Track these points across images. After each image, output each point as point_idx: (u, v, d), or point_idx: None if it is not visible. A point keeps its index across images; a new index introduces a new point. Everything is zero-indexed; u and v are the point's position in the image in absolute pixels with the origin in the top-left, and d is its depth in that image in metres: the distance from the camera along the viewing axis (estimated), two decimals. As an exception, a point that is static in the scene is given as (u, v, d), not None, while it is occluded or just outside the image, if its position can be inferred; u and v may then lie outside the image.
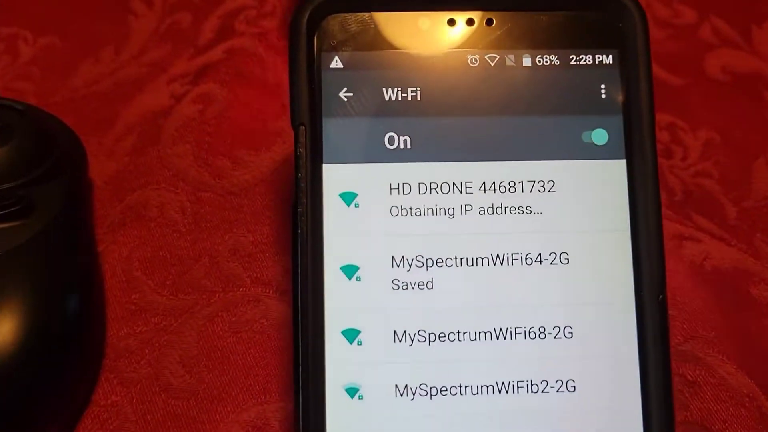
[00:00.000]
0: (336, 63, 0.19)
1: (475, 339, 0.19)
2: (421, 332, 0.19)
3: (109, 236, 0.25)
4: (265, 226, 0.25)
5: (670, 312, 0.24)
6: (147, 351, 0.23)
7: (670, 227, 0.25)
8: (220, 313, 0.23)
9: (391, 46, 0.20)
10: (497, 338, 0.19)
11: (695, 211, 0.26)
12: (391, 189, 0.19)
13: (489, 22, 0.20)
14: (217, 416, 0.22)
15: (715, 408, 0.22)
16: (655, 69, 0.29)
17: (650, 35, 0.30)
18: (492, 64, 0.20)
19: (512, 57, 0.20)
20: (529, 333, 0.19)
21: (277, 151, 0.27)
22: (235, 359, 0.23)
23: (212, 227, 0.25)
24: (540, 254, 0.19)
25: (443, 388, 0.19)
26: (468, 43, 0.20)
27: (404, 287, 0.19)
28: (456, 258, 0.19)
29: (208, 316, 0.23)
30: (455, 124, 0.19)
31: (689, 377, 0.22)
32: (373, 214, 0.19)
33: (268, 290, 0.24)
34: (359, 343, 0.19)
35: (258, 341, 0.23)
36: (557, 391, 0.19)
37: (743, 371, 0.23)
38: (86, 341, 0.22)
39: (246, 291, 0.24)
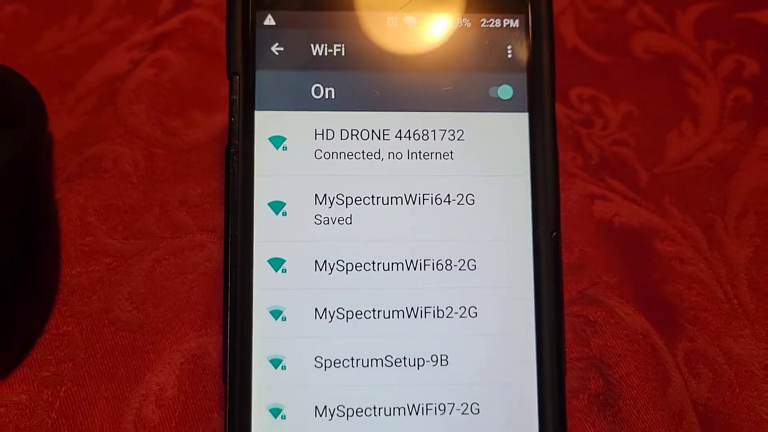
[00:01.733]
0: (269, 20, 0.22)
1: (388, 269, 0.21)
2: (339, 262, 0.21)
3: (66, 185, 0.27)
4: (213, 180, 0.27)
5: (578, 262, 0.26)
6: (98, 287, 0.25)
7: (583, 188, 0.28)
8: (167, 257, 0.25)
9: (320, 7, 0.22)
10: (408, 269, 0.21)
11: (609, 175, 0.28)
12: (316, 134, 0.21)
13: (409, -12, 0.22)
14: (160, 346, 0.24)
15: (612, 344, 0.24)
16: (584, 47, 0.32)
17: (580, 16, 0.33)
18: (410, 25, 0.22)
19: (429, 19, 0.22)
20: (437, 264, 0.21)
21: (227, 114, 0.29)
22: (179, 297, 0.25)
23: (163, 180, 0.27)
24: (449, 195, 0.21)
25: (358, 312, 0.21)
26: (389, 6, 0.22)
27: (326, 222, 0.21)
28: (372, 197, 0.21)
29: (156, 258, 0.25)
30: (375, 78, 0.22)
31: (591, 318, 0.25)
32: (299, 157, 0.21)
33: (212, 237, 0.26)
34: (284, 271, 0.21)
35: (201, 282, 0.25)
36: (460, 317, 0.21)
37: (640, 313, 0.25)
38: (39, 276, 0.24)
39: (192, 237, 0.26)
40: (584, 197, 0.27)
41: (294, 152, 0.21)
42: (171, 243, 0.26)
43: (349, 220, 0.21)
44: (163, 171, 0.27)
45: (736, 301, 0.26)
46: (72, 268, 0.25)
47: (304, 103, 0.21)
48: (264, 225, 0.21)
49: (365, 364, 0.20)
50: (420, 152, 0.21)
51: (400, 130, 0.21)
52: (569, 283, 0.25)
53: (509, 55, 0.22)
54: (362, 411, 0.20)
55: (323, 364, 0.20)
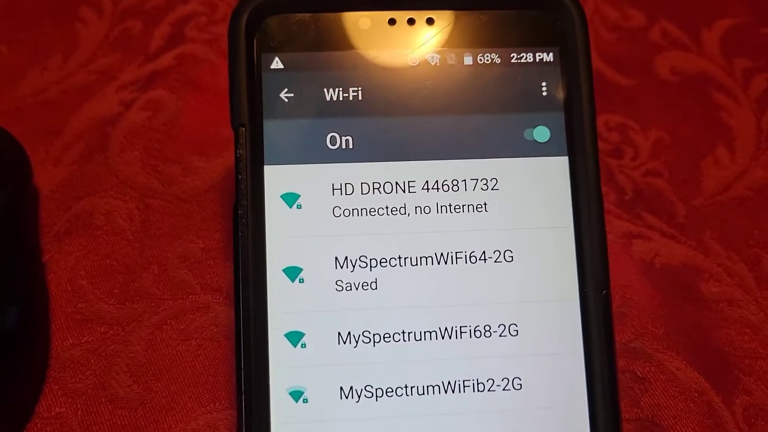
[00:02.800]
0: (276, 64, 0.19)
1: (420, 339, 0.19)
2: (365, 333, 0.19)
3: (54, 245, 0.24)
4: (216, 232, 0.25)
5: (620, 310, 0.24)
6: (93, 361, 0.22)
7: (620, 226, 0.26)
8: (168, 321, 0.23)
9: (332, 47, 0.20)
10: (442, 337, 0.19)
11: (645, 210, 0.26)
12: (333, 189, 0.19)
13: (430, 21, 0.20)
14: (165, 425, 0.21)
15: (665, 404, 0.22)
16: (606, 70, 0.30)
17: (600, 37, 0.31)
18: (433, 63, 0.20)
19: (453, 56, 0.20)
20: (474, 332, 0.19)
21: (228, 157, 0.26)
22: (184, 367, 0.22)
23: (161, 234, 0.25)
24: (484, 252, 0.19)
25: (389, 390, 0.18)
26: (409, 43, 0.20)
27: (348, 288, 0.19)
28: (400, 258, 0.19)
29: (156, 324, 0.23)
30: (397, 124, 0.19)
31: (639, 373, 0.23)
32: (316, 215, 0.19)
33: (218, 297, 0.24)
34: (303, 346, 0.18)
35: (207, 348, 0.23)
36: (503, 390, 0.19)
37: (692, 366, 0.23)
38: (29, 352, 0.21)
39: (196, 298, 0.24)
40: (621, 237, 0.25)
41: (309, 211, 0.19)
42: (172, 305, 0.23)
43: (374, 285, 0.19)
44: (161, 224, 0.25)
45: (792, 346, 0.23)
46: (64, 340, 0.23)
47: (319, 154, 0.19)
48: (279, 294, 0.18)
49: (399, 449, 0.18)
50: (450, 205, 0.19)
51: (427, 182, 0.19)
52: (612, 335, 0.23)
53: (544, 93, 0.20)
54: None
55: (352, 451, 0.18)
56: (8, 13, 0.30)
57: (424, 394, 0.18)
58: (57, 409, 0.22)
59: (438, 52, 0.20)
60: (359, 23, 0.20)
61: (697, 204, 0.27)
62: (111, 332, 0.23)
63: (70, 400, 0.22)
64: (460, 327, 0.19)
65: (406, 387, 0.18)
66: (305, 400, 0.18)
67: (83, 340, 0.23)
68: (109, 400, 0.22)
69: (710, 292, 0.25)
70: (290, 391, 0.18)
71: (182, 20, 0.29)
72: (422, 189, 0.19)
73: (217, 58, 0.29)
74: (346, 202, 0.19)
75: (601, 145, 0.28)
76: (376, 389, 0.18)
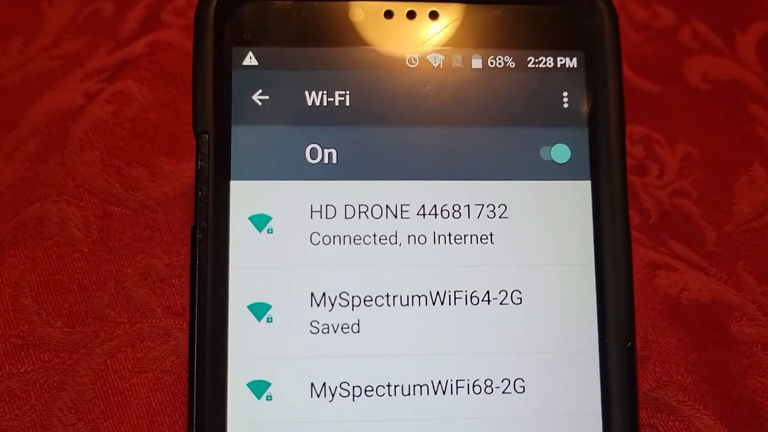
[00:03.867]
0: (250, 60, 0.16)
1: (409, 393, 0.16)
2: (343, 385, 0.16)
3: (-3, 256, 0.21)
4: (184, 246, 0.22)
5: (641, 354, 0.21)
6: (33, 394, 0.20)
7: (643, 254, 0.23)
8: (123, 349, 0.20)
9: (317, 42, 0.17)
10: (435, 393, 0.16)
11: (671, 236, 0.23)
12: (312, 212, 0.16)
13: (433, 15, 0.17)
14: (112, 473, 0.19)
15: (690, 467, 0.19)
16: (630, 75, 0.27)
17: (625, 38, 0.28)
18: (435, 65, 0.17)
19: (459, 57, 0.17)
20: (474, 387, 0.16)
21: (202, 159, 0.23)
22: (138, 404, 0.20)
23: (121, 247, 0.22)
24: (488, 292, 0.16)
25: (369, 453, 0.16)
26: (408, 40, 0.17)
27: (325, 330, 0.16)
28: (388, 296, 0.16)
29: (109, 351, 0.20)
30: (390, 136, 0.16)
31: (661, 429, 0.20)
32: (290, 242, 0.16)
33: (181, 322, 0.21)
34: (268, 398, 0.16)
35: (166, 382, 0.20)
36: (506, 458, 0.16)
37: (723, 423, 0.20)
38: (-43, 383, 0.18)
39: (156, 322, 0.21)
40: (645, 267, 0.22)
41: (282, 236, 0.16)
42: (129, 330, 0.21)
43: (355, 328, 0.16)
44: (121, 235, 0.22)
45: (835, 399, 0.21)
46: (0, 368, 0.20)
47: (297, 170, 0.16)
48: (242, 336, 0.16)
49: None
50: (449, 235, 0.16)
51: (423, 206, 0.16)
52: (631, 382, 0.20)
53: (565, 105, 0.17)
54: None
55: None
56: (-35, -11, 0.27)
57: (411, 459, 0.16)
58: (-13, 450, 0.19)
59: (442, 52, 0.17)
60: (350, 14, 0.17)
61: (728, 230, 0.24)
62: (55, 360, 0.20)
63: (3, 439, 0.19)
64: (457, 381, 0.16)
65: (390, 451, 0.16)
66: (269, 464, 0.15)
67: (22, 369, 0.20)
68: (49, 441, 0.19)
69: (743, 334, 0.22)
70: (251, 451, 0.15)
71: (159, 3, 0.26)
72: (417, 214, 0.16)
73: None
74: (326, 227, 0.16)
75: (623, 159, 0.25)
76: (354, 453, 0.15)
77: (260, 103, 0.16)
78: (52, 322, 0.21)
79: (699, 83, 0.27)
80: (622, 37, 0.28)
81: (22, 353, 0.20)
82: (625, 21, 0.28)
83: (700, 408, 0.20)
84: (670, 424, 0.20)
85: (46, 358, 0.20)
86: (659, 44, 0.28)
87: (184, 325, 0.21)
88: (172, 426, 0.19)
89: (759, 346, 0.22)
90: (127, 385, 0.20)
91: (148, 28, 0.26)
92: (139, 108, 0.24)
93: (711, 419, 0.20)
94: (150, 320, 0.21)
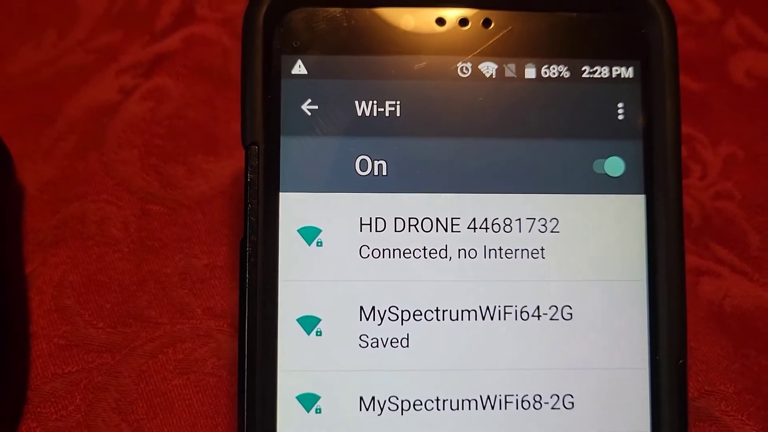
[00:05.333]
0: (299, 69, 0.16)
1: (457, 408, 0.16)
2: (392, 399, 0.16)
3: (38, 256, 0.21)
4: (223, 246, 0.22)
5: (684, 362, 0.21)
6: (77, 395, 0.20)
7: (687, 260, 0.22)
8: (164, 350, 0.20)
9: (367, 50, 0.16)
10: (483, 407, 0.16)
11: (714, 240, 0.23)
12: (361, 225, 0.16)
13: (486, 23, 0.16)
14: (156, 475, 0.19)
15: (733, 479, 0.19)
16: (672, 72, 0.26)
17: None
18: (488, 75, 0.16)
19: (513, 67, 0.16)
20: (522, 402, 0.16)
21: (239, 157, 0.23)
22: (180, 405, 0.20)
23: (160, 247, 0.22)
24: (538, 307, 0.16)
25: (418, 468, 0.15)
26: (460, 48, 0.16)
27: (374, 344, 0.16)
28: (437, 310, 0.16)
29: (150, 352, 0.20)
30: (441, 147, 0.16)
31: (704, 440, 0.20)
32: (339, 255, 0.16)
33: (221, 323, 0.21)
34: (318, 411, 0.16)
35: (207, 384, 0.20)
36: (554, 473, 0.16)
37: (766, 434, 0.20)
38: (3, 383, 0.19)
39: (196, 324, 0.21)
40: (688, 273, 0.22)
41: (332, 249, 0.16)
42: (170, 331, 0.21)
43: (404, 342, 0.16)
44: (160, 235, 0.22)
45: None
46: (44, 369, 0.20)
47: (346, 182, 0.16)
48: (291, 349, 0.16)
49: None
50: (500, 249, 0.16)
51: (474, 219, 0.16)
52: (672, 391, 0.20)
53: (620, 116, 0.16)
54: None
55: None
56: (-1, -20, 0.27)
57: (459, 474, 0.16)
58: (34, 451, 0.19)
59: (494, 61, 0.16)
60: (401, 22, 0.16)
61: (773, 234, 0.23)
62: (98, 361, 0.20)
63: (49, 440, 0.19)
64: (506, 396, 0.16)
65: (438, 465, 0.16)
66: (318, 479, 0.15)
67: (66, 370, 0.20)
68: (94, 442, 0.19)
69: (787, 342, 0.21)
70: (301, 464, 0.15)
71: (193, -5, 0.26)
72: (468, 228, 0.16)
73: (231, 41, 0.25)
74: (376, 240, 0.16)
75: (665, 160, 0.24)
76: (403, 467, 0.15)
77: (309, 114, 0.16)
78: (94, 322, 0.21)
79: (743, 80, 0.26)
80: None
81: (66, 354, 0.20)
82: (668, 15, 0.28)
83: (743, 418, 0.20)
84: (713, 434, 0.20)
85: (89, 359, 0.20)
86: (702, 40, 0.27)
87: (225, 326, 0.21)
88: (214, 428, 0.19)
89: (802, 354, 0.21)
90: (169, 386, 0.20)
91: (182, 22, 0.26)
92: (175, 105, 0.24)
93: (754, 430, 0.20)
94: (190, 321, 0.21)
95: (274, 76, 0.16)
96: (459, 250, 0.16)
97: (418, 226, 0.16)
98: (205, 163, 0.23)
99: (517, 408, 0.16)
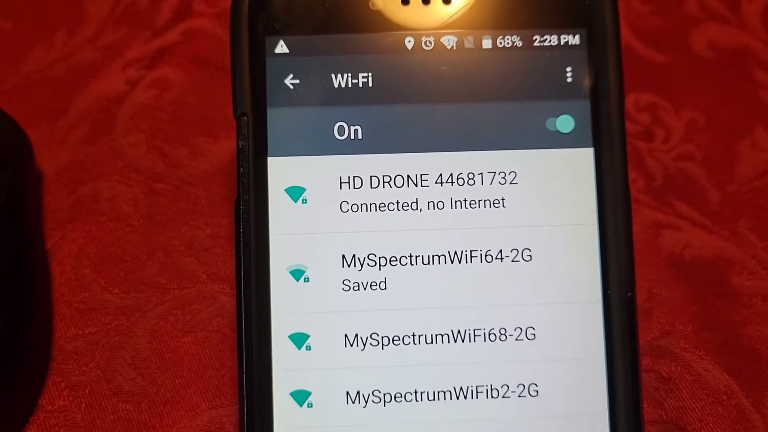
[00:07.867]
0: (281, 48, 0.18)
1: (431, 342, 0.18)
2: (373, 335, 0.18)
3: (58, 232, 0.23)
4: (224, 218, 0.24)
5: (646, 305, 0.23)
6: (97, 353, 0.22)
7: (648, 215, 0.24)
8: (174, 312, 0.22)
9: (341, 29, 0.18)
10: (455, 341, 0.18)
11: (675, 197, 0.25)
12: (341, 183, 0.18)
13: (446, 0, 0.18)
14: (170, 420, 0.21)
15: (690, 406, 0.21)
16: (636, 44, 0.28)
17: (632, 10, 0.29)
18: (449, 47, 0.18)
19: (471, 39, 0.18)
20: (489, 335, 0.18)
21: (236, 138, 0.25)
22: (189, 360, 0.22)
23: (167, 220, 0.24)
24: (501, 251, 0.18)
25: (397, 395, 0.18)
26: (423, 24, 0.18)
27: (355, 288, 0.18)
28: (411, 256, 0.18)
29: (161, 314, 0.22)
30: (409, 112, 0.18)
31: (664, 374, 0.21)
32: (322, 211, 0.18)
33: (224, 286, 0.23)
34: (308, 348, 0.18)
35: (213, 341, 0.22)
36: (519, 396, 0.18)
37: (721, 367, 0.22)
38: (31, 343, 0.21)
39: (202, 287, 0.23)
40: (650, 227, 0.24)
41: (316, 205, 0.18)
42: (177, 295, 0.23)
43: (383, 285, 0.18)
44: (167, 210, 0.24)
45: (830, 346, 0.22)
46: (66, 330, 0.22)
47: (326, 145, 0.18)
48: (283, 294, 0.18)
49: (408, 457, 0.17)
50: (465, 200, 0.18)
51: (440, 175, 0.18)
52: (636, 332, 0.22)
53: (569, 79, 0.18)
54: None
55: (358, 458, 0.17)
56: (12, -14, 0.29)
57: (434, 400, 0.18)
58: (60, 402, 0.21)
59: (454, 35, 0.18)
60: (370, 3, 0.18)
61: (731, 190, 0.25)
62: (115, 323, 0.22)
63: (73, 393, 0.21)
64: (474, 330, 0.18)
65: (415, 392, 0.18)
66: (310, 405, 0.17)
67: (87, 331, 0.22)
68: (113, 393, 0.21)
69: (743, 287, 0.23)
70: (294, 393, 0.17)
71: (190, -7, 0.28)
72: (435, 183, 0.18)
73: (225, 33, 0.26)
74: (354, 196, 0.18)
75: (630, 126, 0.26)
76: (384, 394, 0.17)
77: (292, 87, 0.18)
78: (110, 289, 0.23)
79: (704, 51, 0.28)
80: (629, 8, 0.29)
81: (86, 317, 0.22)
82: (633, -7, 0.30)
83: (701, 354, 0.22)
84: (673, 368, 0.21)
85: (107, 321, 0.22)
86: (666, 15, 0.29)
87: (228, 289, 0.23)
88: (220, 379, 0.21)
89: (758, 297, 0.23)
90: (178, 343, 0.22)
91: (181, 17, 0.28)
92: (177, 93, 0.26)
93: (710, 364, 0.22)
94: (196, 285, 0.23)
95: (259, 55, 0.18)
96: (428, 203, 0.18)
97: (391, 183, 0.18)
98: (206, 144, 0.25)
99: (484, 340, 0.18)
